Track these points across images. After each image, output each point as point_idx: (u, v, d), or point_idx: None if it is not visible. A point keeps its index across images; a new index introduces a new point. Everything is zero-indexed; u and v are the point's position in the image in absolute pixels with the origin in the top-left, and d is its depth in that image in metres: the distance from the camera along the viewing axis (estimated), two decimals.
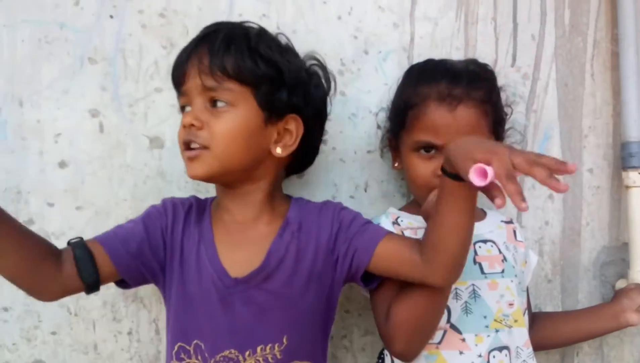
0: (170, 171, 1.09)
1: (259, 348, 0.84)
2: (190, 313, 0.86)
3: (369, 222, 0.92)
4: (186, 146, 0.87)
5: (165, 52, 1.09)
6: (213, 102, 0.86)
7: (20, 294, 1.05)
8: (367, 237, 0.88)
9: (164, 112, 1.10)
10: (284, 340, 0.85)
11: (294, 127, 0.90)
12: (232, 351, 0.84)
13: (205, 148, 0.84)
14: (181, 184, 1.09)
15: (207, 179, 0.88)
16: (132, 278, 0.87)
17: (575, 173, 1.04)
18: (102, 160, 1.08)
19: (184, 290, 0.87)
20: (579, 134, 1.21)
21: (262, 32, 0.91)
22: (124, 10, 1.08)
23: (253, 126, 0.86)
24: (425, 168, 0.95)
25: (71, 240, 0.85)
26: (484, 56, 1.15)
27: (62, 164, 1.07)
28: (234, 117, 0.85)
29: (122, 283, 0.89)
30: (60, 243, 1.06)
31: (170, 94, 1.09)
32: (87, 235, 1.06)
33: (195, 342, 0.85)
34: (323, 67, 0.98)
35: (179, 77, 0.89)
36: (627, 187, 1.15)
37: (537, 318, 1.08)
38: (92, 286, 0.82)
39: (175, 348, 0.87)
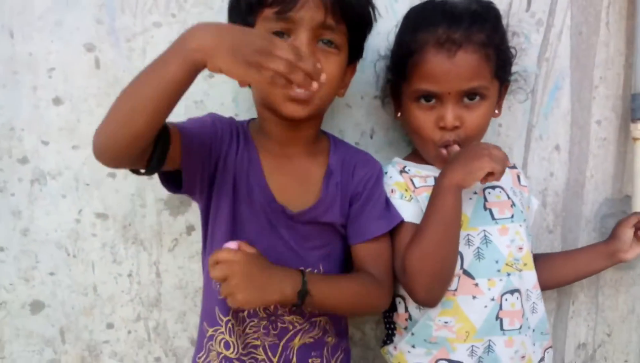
0: None
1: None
2: (239, 231, 0.87)
3: (384, 209, 0.91)
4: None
5: None
6: (319, 40, 0.83)
7: (16, 234, 1.04)
8: (364, 228, 0.90)
9: (163, 48, 1.01)
10: (320, 267, 0.90)
11: (350, 71, 0.94)
12: None
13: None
14: None
15: (303, 119, 0.86)
16: (189, 172, 0.83)
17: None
18: (98, 98, 1.03)
19: (234, 207, 0.87)
20: (589, 85, 1.18)
21: None
22: None
23: (342, 71, 0.89)
24: (426, 118, 0.92)
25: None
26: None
27: (57, 101, 1.02)
28: (339, 61, 0.86)
29: (171, 184, 0.85)
30: (57, 184, 1.04)
31: (170, 29, 1.04)
32: (84, 176, 1.04)
33: None
34: None
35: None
36: (635, 139, 1.13)
37: (537, 259, 1.08)
38: (155, 166, 0.77)
39: None
